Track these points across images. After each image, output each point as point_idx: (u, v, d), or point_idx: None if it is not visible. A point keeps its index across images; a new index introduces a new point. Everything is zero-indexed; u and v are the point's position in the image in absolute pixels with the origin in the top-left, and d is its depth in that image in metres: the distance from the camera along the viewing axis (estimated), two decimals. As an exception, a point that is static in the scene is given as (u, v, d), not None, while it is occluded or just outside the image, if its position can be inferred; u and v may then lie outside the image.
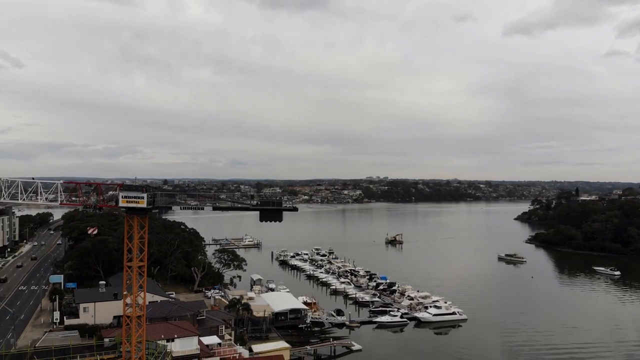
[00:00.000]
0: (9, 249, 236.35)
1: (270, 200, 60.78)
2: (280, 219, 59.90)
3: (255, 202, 62.74)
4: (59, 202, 56.37)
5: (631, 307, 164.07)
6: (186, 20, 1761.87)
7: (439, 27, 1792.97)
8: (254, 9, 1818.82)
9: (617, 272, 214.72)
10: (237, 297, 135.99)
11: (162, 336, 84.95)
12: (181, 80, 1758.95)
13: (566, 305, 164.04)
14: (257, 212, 61.39)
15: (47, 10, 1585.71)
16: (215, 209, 63.13)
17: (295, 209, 66.05)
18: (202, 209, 61.73)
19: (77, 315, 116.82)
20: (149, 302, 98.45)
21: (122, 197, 54.83)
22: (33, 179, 55.04)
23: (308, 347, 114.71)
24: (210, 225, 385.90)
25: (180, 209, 61.20)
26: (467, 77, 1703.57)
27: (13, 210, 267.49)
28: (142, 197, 54.94)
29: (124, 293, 58.98)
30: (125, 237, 57.93)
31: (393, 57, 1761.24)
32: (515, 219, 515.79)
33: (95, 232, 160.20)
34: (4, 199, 55.40)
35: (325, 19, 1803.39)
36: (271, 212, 59.78)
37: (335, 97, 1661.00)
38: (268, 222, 60.20)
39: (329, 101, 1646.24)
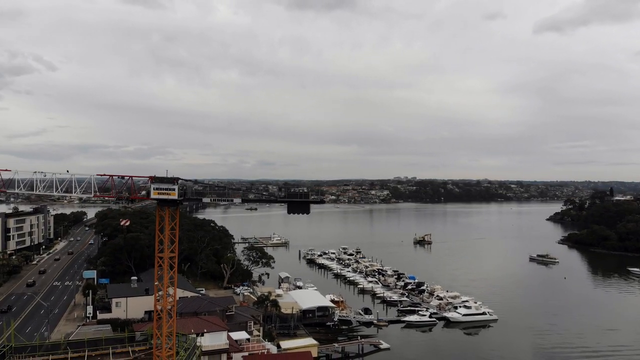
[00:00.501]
0: (43, 246, 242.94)
1: (298, 193, 60.94)
2: (307, 211, 59.96)
3: (282, 194, 63.09)
4: (93, 194, 57.59)
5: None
6: (215, 22, 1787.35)
7: (468, 26, 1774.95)
8: (282, 10, 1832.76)
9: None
10: (266, 293, 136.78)
11: (192, 330, 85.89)
12: (210, 81, 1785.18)
13: (600, 307, 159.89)
14: (285, 211, 61.81)
15: (79, 15, 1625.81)
16: (244, 201, 63.79)
17: (322, 202, 66.10)
18: (232, 201, 62.34)
19: (109, 310, 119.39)
20: (179, 298, 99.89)
21: (153, 189, 55.76)
22: (67, 171, 56.37)
23: (336, 345, 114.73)
24: (239, 224, 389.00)
25: (210, 201, 61.83)
26: (497, 76, 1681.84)
27: (48, 209, 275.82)
28: (173, 189, 55.83)
29: (155, 284, 59.85)
30: (157, 228, 58.87)
31: (421, 56, 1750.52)
32: (548, 219, 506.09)
33: (128, 223, 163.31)
34: (39, 191, 56.84)
35: (352, 19, 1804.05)
36: (299, 204, 59.92)
37: (362, 98, 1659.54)
38: (296, 214, 60.43)
39: (356, 101, 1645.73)
